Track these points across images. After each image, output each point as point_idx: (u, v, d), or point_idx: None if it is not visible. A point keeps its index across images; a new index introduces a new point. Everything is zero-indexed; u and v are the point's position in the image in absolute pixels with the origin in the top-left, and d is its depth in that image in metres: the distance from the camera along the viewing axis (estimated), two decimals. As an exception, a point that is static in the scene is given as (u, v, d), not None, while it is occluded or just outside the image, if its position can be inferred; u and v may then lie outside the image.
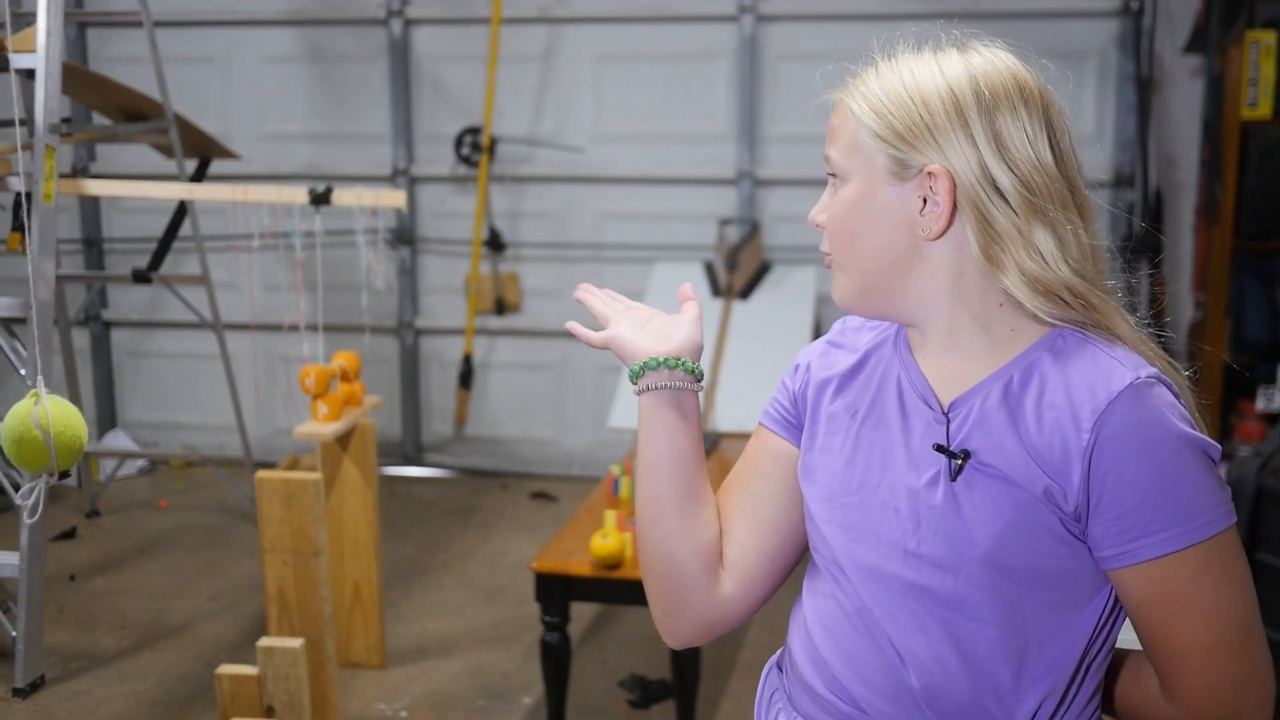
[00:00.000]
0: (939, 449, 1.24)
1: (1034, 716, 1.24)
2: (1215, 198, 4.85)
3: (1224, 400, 5.00)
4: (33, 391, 1.27)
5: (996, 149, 1.22)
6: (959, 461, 1.23)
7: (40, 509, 1.22)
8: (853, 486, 1.31)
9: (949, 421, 1.26)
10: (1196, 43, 5.12)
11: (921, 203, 1.24)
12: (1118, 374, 1.19)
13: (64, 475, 1.27)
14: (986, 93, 1.24)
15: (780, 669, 1.46)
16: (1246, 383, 5.02)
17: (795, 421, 1.42)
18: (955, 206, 1.23)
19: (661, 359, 1.38)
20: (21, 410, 1.25)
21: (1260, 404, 4.88)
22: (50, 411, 1.27)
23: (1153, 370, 1.21)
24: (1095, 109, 5.34)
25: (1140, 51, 5.15)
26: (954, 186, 1.22)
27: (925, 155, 1.23)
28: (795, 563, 1.42)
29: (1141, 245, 5.17)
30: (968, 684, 1.24)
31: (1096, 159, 5.34)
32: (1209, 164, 4.99)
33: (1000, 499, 1.21)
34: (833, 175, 1.31)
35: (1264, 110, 4.70)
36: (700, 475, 1.39)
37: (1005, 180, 1.22)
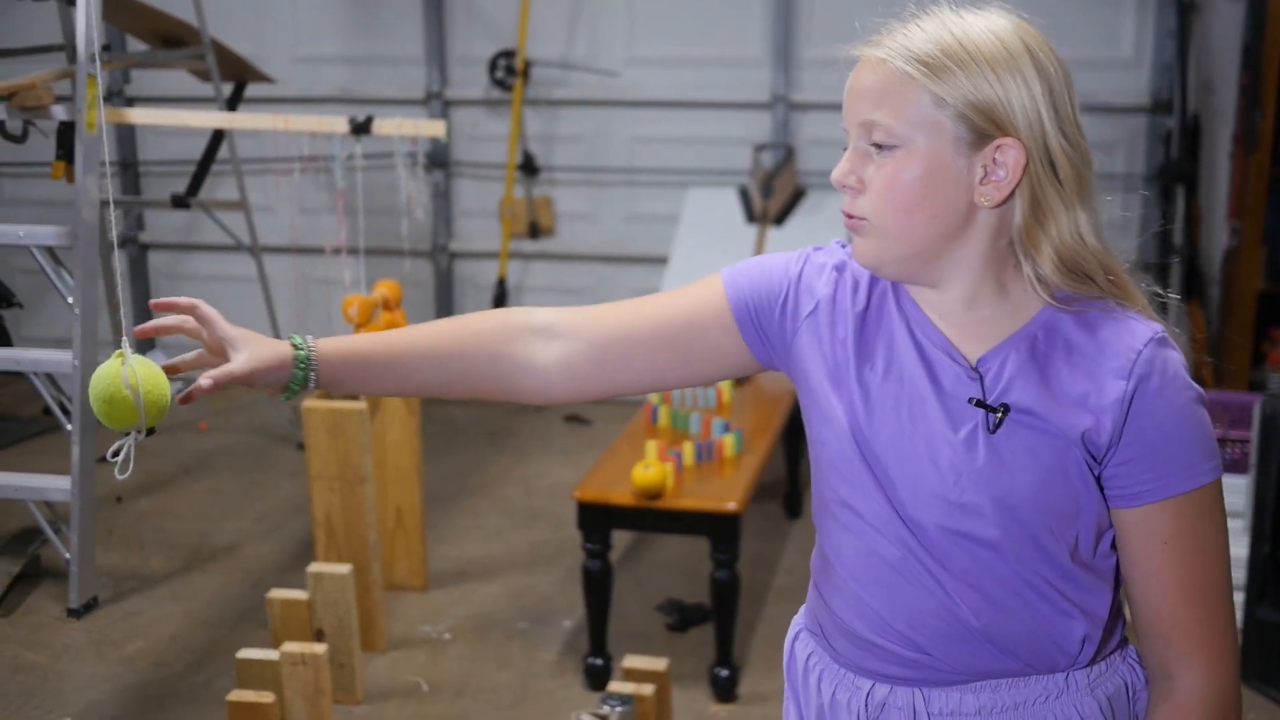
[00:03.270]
0: (979, 403, 1.29)
1: (1083, 643, 1.34)
2: (1254, 125, 4.82)
3: (1256, 327, 5.01)
4: (118, 352, 1.31)
5: (1058, 123, 1.26)
6: (999, 415, 1.28)
7: (130, 466, 1.27)
8: (880, 440, 1.32)
9: (982, 377, 1.30)
10: None
11: (983, 171, 1.26)
12: (1140, 329, 1.28)
13: (150, 432, 1.32)
14: (1045, 63, 1.27)
15: (811, 632, 1.48)
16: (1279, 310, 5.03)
17: (758, 324, 1.41)
18: (1019, 179, 1.26)
19: (294, 370, 1.38)
20: (110, 371, 1.29)
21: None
22: (138, 371, 1.31)
23: (1164, 329, 1.31)
24: (1134, 33, 5.29)
25: (1181, -25, 5.09)
26: (1026, 160, 1.25)
27: (999, 126, 1.25)
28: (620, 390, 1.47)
29: (1178, 171, 5.15)
30: (1023, 617, 1.32)
31: (1135, 84, 5.29)
32: (1248, 90, 4.94)
33: (1038, 446, 1.27)
34: (877, 144, 1.27)
35: (1306, 36, 4.66)
36: (419, 353, 1.45)
37: (1061, 156, 1.26)
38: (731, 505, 3.15)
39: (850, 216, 1.30)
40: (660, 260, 5.33)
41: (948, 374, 1.31)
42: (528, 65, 5.58)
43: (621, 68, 5.64)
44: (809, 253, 1.44)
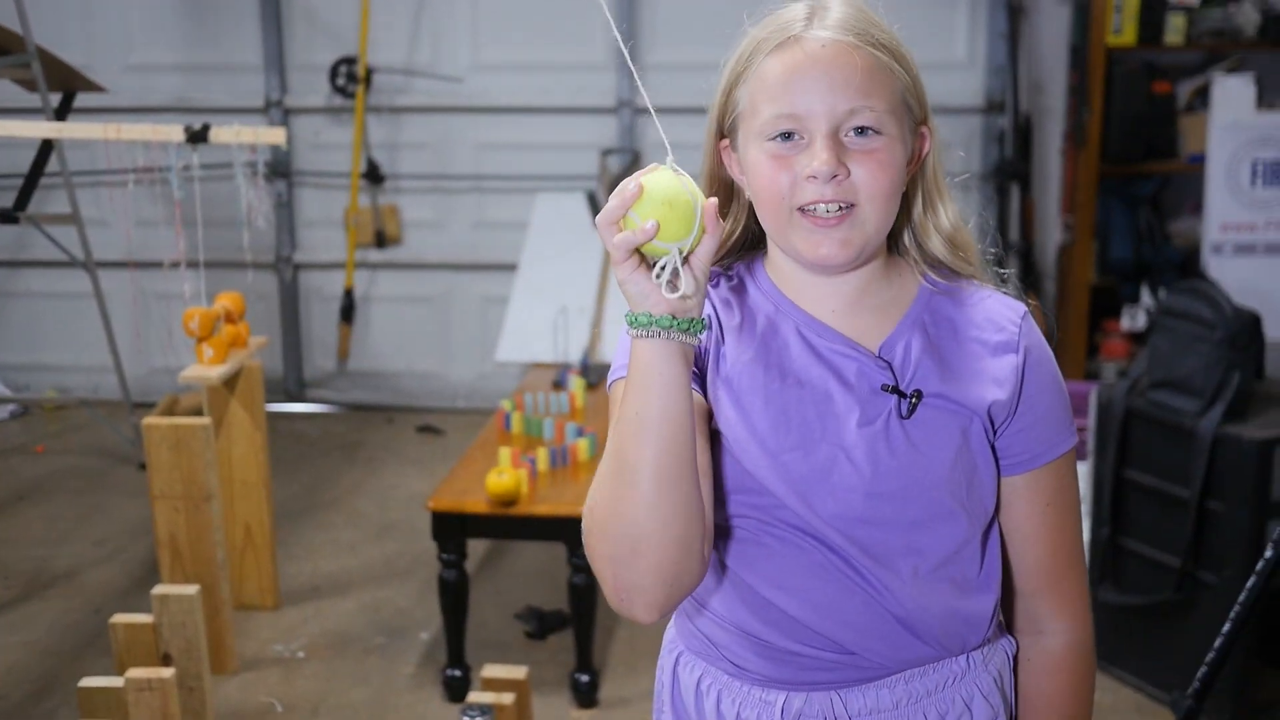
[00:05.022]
0: (892, 390, 1.31)
1: (991, 619, 1.38)
2: (1082, 123, 4.99)
3: (1090, 319, 5.19)
4: (664, 165, 1.22)
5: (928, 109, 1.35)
6: (913, 400, 1.31)
7: (681, 283, 1.19)
8: (789, 444, 1.30)
9: (889, 364, 1.32)
10: None
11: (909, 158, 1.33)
12: (1010, 304, 1.37)
13: (686, 258, 1.21)
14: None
15: (698, 653, 1.43)
16: (1113, 303, 5.21)
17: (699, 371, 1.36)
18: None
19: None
20: (670, 177, 1.20)
21: (1125, 323, 5.08)
22: (690, 185, 1.23)
23: (1024, 304, 1.39)
24: (967, 35, 5.43)
25: (1010, -22, 5.24)
26: (929, 146, 1.34)
27: (922, 114, 1.33)
28: None
29: (1013, 170, 5.30)
30: (941, 598, 1.33)
31: (968, 85, 5.44)
32: (1076, 89, 5.12)
33: (948, 425, 1.32)
34: (861, 129, 1.26)
35: (1128, 37, 4.84)
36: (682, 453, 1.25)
37: (940, 142, 1.35)
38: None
39: (840, 206, 1.26)
40: (509, 267, 5.30)
41: (850, 367, 1.32)
42: (369, 72, 5.50)
43: (466, 74, 5.60)
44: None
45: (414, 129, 5.71)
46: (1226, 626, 2.21)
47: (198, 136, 3.82)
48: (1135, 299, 5.10)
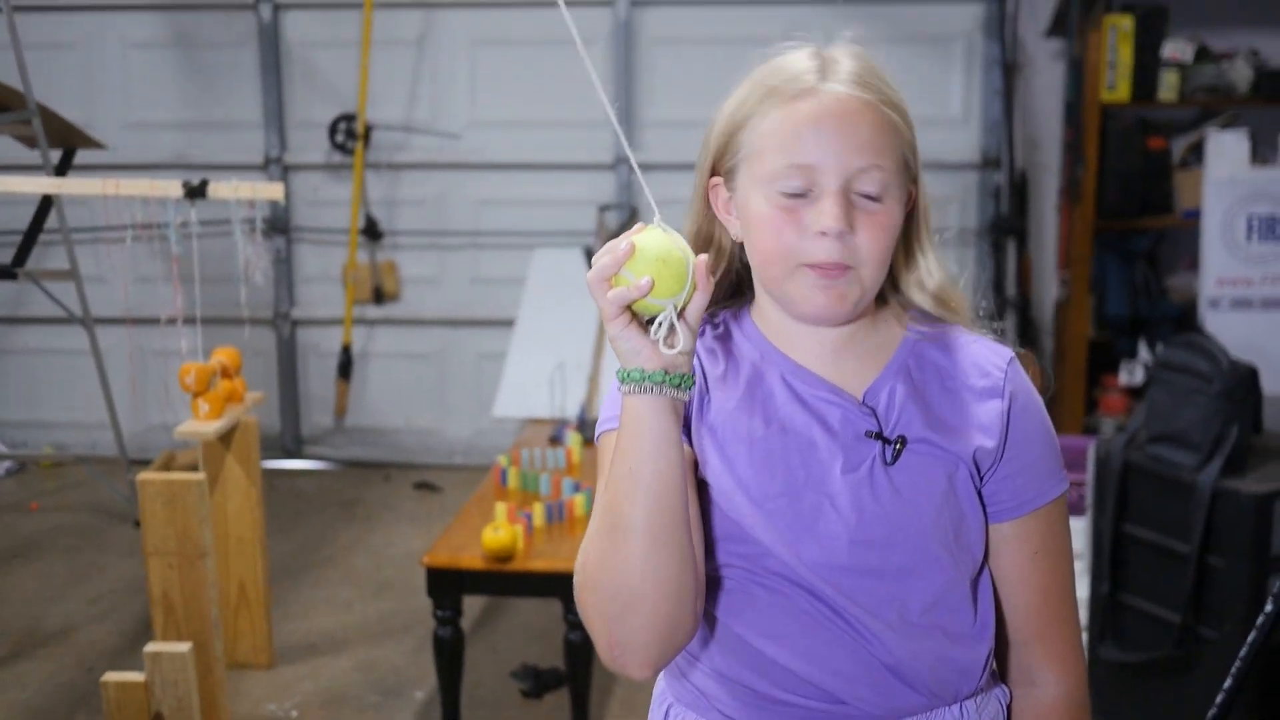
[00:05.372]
0: (877, 436, 1.30)
1: (985, 666, 1.36)
2: (1077, 178, 5.01)
3: (1088, 375, 5.18)
4: (652, 225, 1.23)
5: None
6: (897, 446, 1.30)
7: (679, 338, 1.20)
8: (774, 491, 1.29)
9: (874, 410, 1.32)
10: (1058, 27, 5.27)
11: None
12: (997, 350, 1.36)
13: (680, 314, 1.20)
14: None
15: (690, 706, 1.40)
16: (1110, 357, 5.21)
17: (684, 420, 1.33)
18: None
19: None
20: (660, 236, 1.21)
21: (1123, 378, 5.07)
22: (681, 242, 1.23)
23: (1012, 350, 1.39)
24: (962, 92, 5.47)
25: (1004, 35, 5.29)
26: (916, 199, 1.34)
27: (914, 170, 1.33)
28: None
29: (1009, 225, 5.32)
30: (931, 646, 1.32)
31: (964, 141, 5.47)
32: (1071, 145, 5.14)
33: (933, 470, 1.30)
34: (868, 195, 1.26)
35: (1122, 93, 4.87)
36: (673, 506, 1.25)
37: (925, 193, 1.36)
38: (583, 565, 3.12)
39: (840, 266, 1.25)
40: (507, 323, 5.30)
41: (834, 414, 1.32)
42: (368, 129, 5.53)
43: (464, 130, 5.63)
44: None
45: (412, 185, 5.73)
46: (1228, 683, 2.18)
47: (196, 192, 3.83)
48: (1133, 354, 5.10)
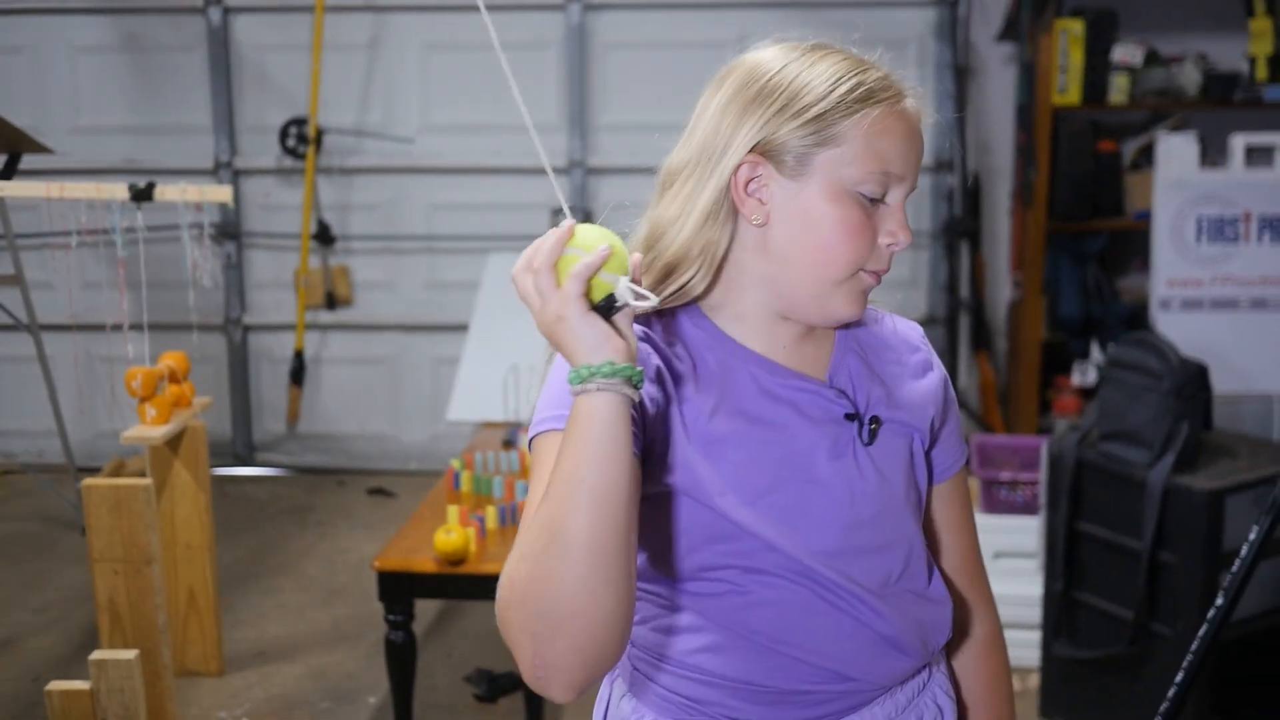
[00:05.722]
0: (854, 418, 1.32)
1: (950, 622, 1.42)
2: (1029, 181, 5.04)
3: (1041, 376, 5.21)
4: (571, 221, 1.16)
5: None
6: (874, 426, 1.32)
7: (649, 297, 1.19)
8: (764, 486, 1.27)
9: (844, 393, 1.33)
10: (1009, 31, 5.31)
11: None
12: (910, 324, 1.45)
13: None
14: None
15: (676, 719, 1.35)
16: (1062, 359, 5.24)
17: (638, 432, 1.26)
18: None
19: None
20: (596, 229, 1.18)
21: (1075, 379, 5.09)
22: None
23: None
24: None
25: (956, 40, 5.31)
26: None
27: None
28: None
29: (962, 228, 5.34)
30: (915, 612, 1.35)
31: (918, 145, 5.48)
32: (1023, 148, 5.17)
33: (900, 445, 1.35)
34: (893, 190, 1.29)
35: (1073, 96, 4.90)
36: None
37: None
38: (537, 567, 3.09)
39: (881, 274, 1.31)
40: (461, 327, 5.26)
41: (810, 403, 1.31)
42: (320, 133, 5.49)
43: (417, 135, 5.60)
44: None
45: (365, 190, 5.69)
46: (1179, 677, 2.19)
47: (142, 195, 3.78)
48: (1085, 355, 5.13)
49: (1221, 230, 4.58)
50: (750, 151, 1.27)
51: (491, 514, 3.34)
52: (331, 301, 5.69)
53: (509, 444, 4.03)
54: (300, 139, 5.53)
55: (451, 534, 3.10)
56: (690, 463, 1.26)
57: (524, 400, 4.35)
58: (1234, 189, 4.53)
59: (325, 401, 5.83)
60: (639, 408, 1.23)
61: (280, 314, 5.77)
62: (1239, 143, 4.52)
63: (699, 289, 1.30)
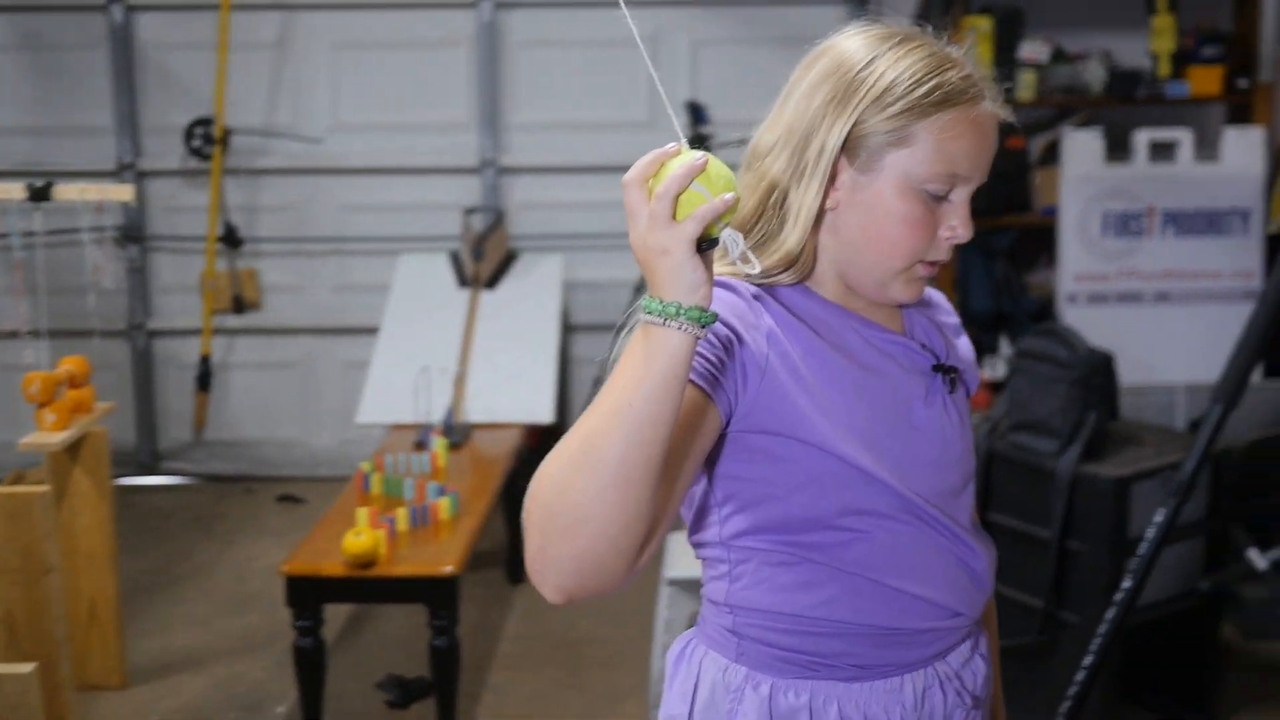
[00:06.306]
0: (941, 369, 1.41)
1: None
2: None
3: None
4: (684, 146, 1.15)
5: None
6: (952, 375, 1.42)
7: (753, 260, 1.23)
8: (881, 431, 1.34)
9: (925, 346, 1.42)
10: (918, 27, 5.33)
11: None
12: (936, 290, 1.53)
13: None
14: None
15: (802, 679, 1.37)
16: (975, 353, 5.28)
17: (724, 384, 1.28)
18: None
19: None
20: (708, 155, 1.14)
21: (986, 373, 5.13)
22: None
23: None
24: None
25: (866, 38, 5.34)
26: None
27: None
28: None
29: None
30: (981, 553, 1.42)
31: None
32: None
33: (963, 393, 1.46)
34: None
35: (981, 94, 4.94)
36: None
37: None
38: (448, 568, 3.05)
39: (938, 263, 1.36)
40: (373, 330, 5.18)
41: (902, 354, 1.39)
42: (226, 133, 5.39)
43: (326, 134, 5.52)
44: (716, 294, 1.29)
45: (273, 191, 5.60)
46: (1086, 661, 2.20)
47: (40, 194, 3.69)
48: (995, 349, 5.17)
49: (1126, 225, 4.65)
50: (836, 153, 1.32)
51: (402, 516, 3.29)
52: (239, 305, 5.58)
53: (420, 445, 3.98)
54: (206, 139, 5.42)
55: (361, 536, 3.05)
56: (810, 414, 1.30)
57: (435, 402, 4.29)
58: (1138, 184, 4.61)
59: (233, 408, 5.72)
60: (746, 369, 1.28)
61: (186, 319, 5.65)
62: (1143, 138, 4.59)
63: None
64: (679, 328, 1.13)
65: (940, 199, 1.32)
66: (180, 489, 5.56)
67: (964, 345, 1.50)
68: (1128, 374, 3.96)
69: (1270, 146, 4.64)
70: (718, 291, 1.28)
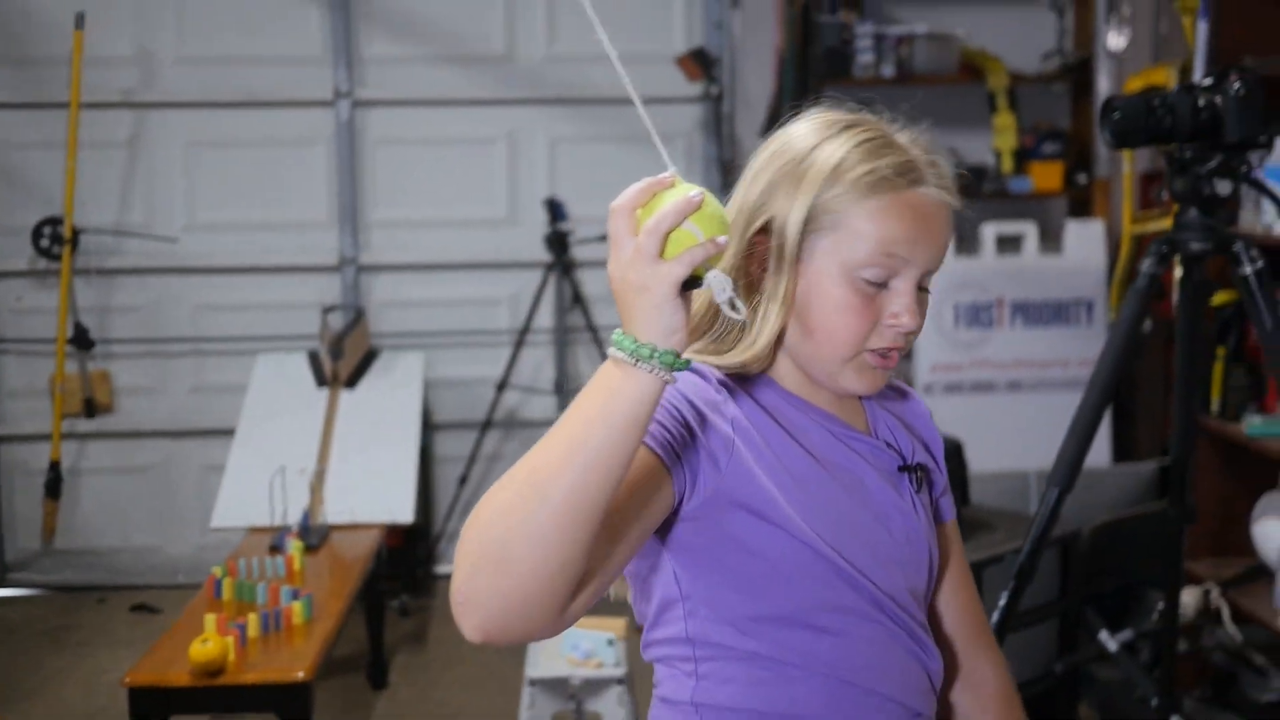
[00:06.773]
0: (906, 469, 1.41)
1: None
2: (797, 272, 5.16)
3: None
4: (677, 176, 1.14)
5: None
6: (919, 475, 1.42)
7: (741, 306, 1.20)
8: (844, 527, 1.32)
9: (890, 445, 1.41)
10: (772, 126, 5.45)
11: None
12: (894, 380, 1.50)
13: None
14: None
15: None
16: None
17: (683, 460, 1.25)
18: None
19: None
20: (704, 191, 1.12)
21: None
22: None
23: None
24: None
25: (722, 135, 5.44)
26: None
27: None
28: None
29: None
30: (938, 652, 1.42)
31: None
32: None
33: (927, 491, 1.44)
34: (924, 287, 1.34)
35: (835, 190, 5.06)
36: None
37: None
38: (300, 674, 2.97)
39: (898, 350, 1.33)
40: (230, 432, 5.07)
41: (868, 452, 1.38)
42: (76, 233, 5.27)
43: (181, 233, 5.43)
44: (683, 377, 1.26)
45: (127, 291, 5.48)
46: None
47: None
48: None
49: (977, 316, 4.77)
50: (760, 231, 1.33)
51: (254, 621, 3.20)
52: (91, 409, 5.43)
53: (275, 549, 3.88)
54: (55, 239, 5.30)
55: (208, 643, 2.96)
56: (778, 499, 1.28)
57: (292, 504, 4.20)
58: (988, 276, 4.74)
59: (85, 514, 5.53)
60: (711, 451, 1.26)
61: (35, 423, 5.47)
62: (990, 232, 4.73)
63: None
64: (650, 370, 1.10)
65: (879, 286, 1.30)
66: (29, 600, 5.34)
67: (933, 435, 1.49)
68: (983, 461, 4.04)
69: (1109, 239, 4.82)
70: (684, 374, 1.23)
